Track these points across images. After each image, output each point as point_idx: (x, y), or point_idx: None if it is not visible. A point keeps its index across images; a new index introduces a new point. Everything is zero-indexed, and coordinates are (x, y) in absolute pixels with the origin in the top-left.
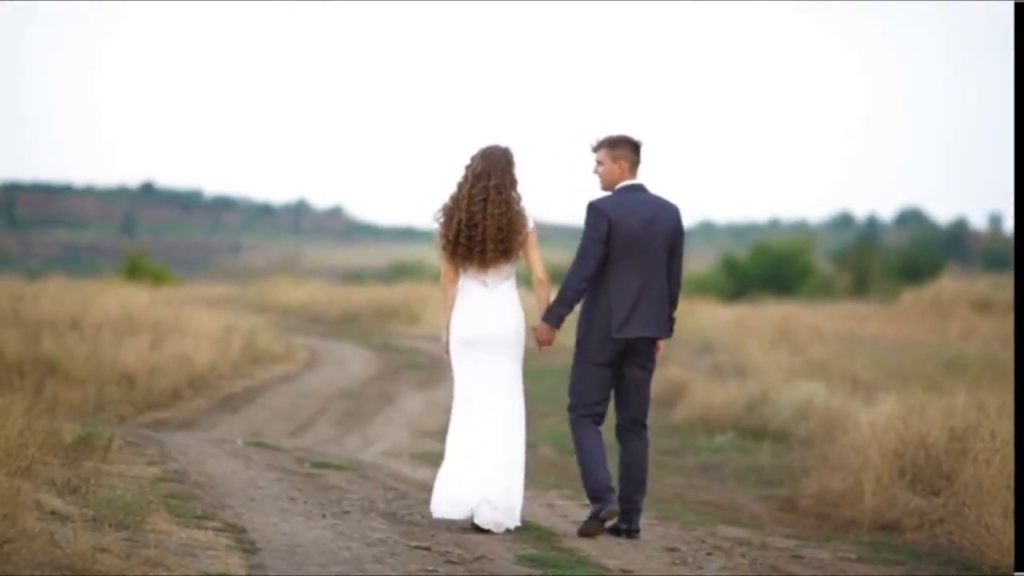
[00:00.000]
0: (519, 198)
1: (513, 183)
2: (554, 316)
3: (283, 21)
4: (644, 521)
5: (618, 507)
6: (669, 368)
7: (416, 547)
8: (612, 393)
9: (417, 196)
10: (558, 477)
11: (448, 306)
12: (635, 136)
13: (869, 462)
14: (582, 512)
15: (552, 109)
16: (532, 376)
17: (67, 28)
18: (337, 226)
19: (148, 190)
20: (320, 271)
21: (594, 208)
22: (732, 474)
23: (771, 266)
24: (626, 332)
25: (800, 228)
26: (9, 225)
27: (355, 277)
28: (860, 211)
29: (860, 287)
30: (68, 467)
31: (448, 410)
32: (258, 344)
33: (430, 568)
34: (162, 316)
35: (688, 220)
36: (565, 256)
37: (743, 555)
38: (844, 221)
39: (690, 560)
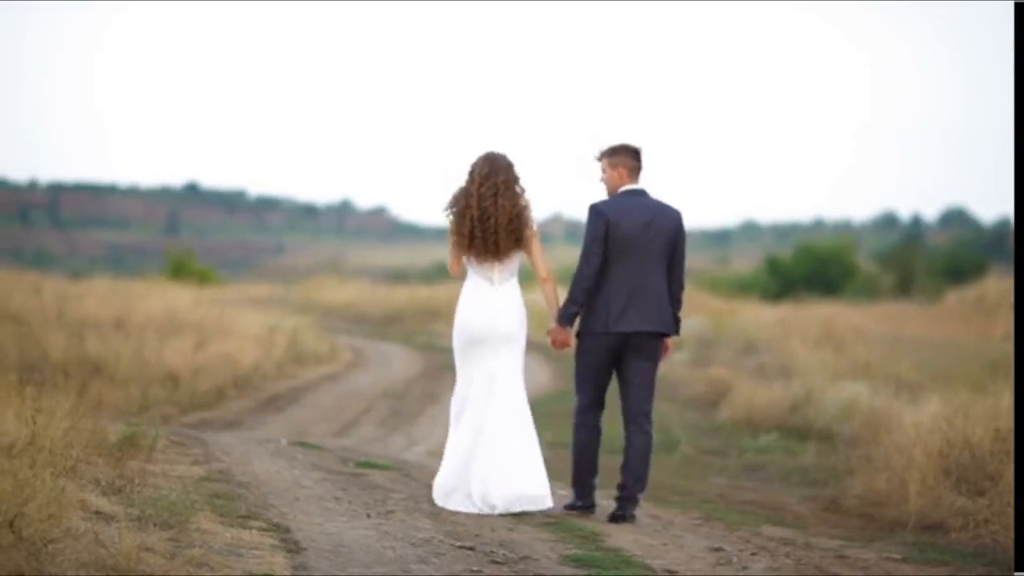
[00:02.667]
0: (524, 192)
1: (517, 180)
2: (566, 316)
3: (329, 22)
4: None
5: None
6: (713, 368)
7: (461, 547)
8: (617, 384)
9: None
10: (601, 477)
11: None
12: (633, 144)
13: (914, 462)
14: None
15: (594, 110)
16: (571, 378)
17: (112, 29)
18: (381, 226)
19: (192, 190)
20: (364, 271)
21: (593, 210)
22: (776, 474)
23: (815, 266)
24: (621, 326)
25: (844, 228)
26: (54, 225)
27: (399, 277)
28: (904, 211)
29: (904, 287)
30: (113, 467)
31: None
32: (302, 344)
33: (475, 568)
34: (206, 316)
35: (732, 220)
36: None
37: (788, 555)
38: (888, 221)
39: (735, 560)
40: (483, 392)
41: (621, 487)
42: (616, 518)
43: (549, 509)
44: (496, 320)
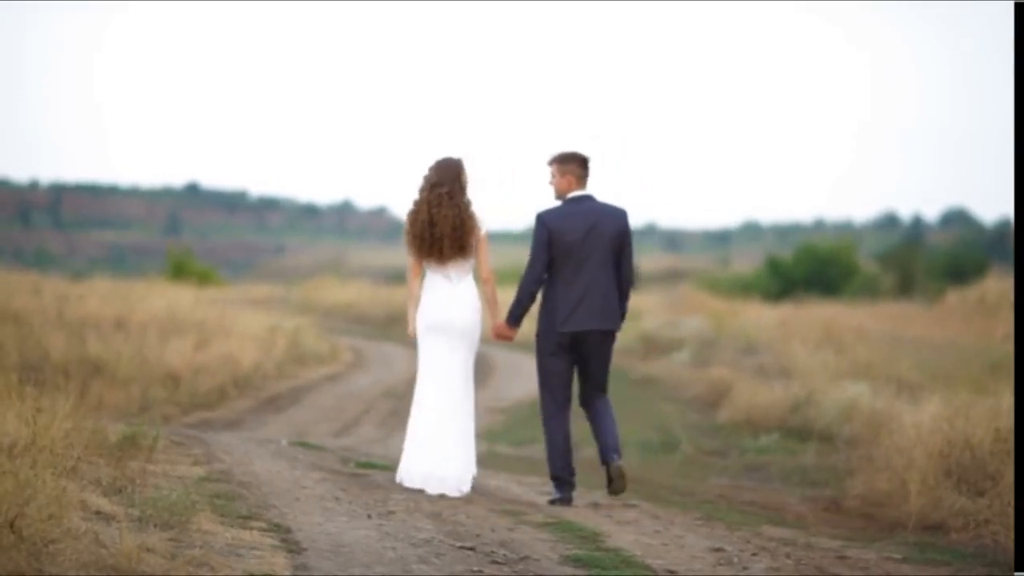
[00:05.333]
0: (469, 203)
1: (462, 190)
2: (512, 316)
3: (328, 22)
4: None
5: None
6: (713, 368)
7: (461, 547)
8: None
9: None
10: (602, 477)
11: (414, 297)
12: (583, 152)
13: (914, 463)
14: (627, 512)
15: (596, 111)
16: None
17: (112, 29)
18: (382, 226)
19: (193, 191)
20: (365, 271)
21: (538, 219)
22: (777, 475)
23: (816, 267)
24: (570, 326)
25: (845, 229)
26: (55, 225)
27: (399, 277)
28: (905, 212)
29: (905, 288)
30: (113, 467)
31: (492, 411)
32: (303, 344)
33: (475, 568)
34: (207, 316)
35: (733, 221)
36: None
37: (788, 555)
38: (889, 222)
39: (735, 560)
40: (439, 379)
41: (602, 458)
42: (614, 491)
43: (463, 494)
44: (452, 314)
